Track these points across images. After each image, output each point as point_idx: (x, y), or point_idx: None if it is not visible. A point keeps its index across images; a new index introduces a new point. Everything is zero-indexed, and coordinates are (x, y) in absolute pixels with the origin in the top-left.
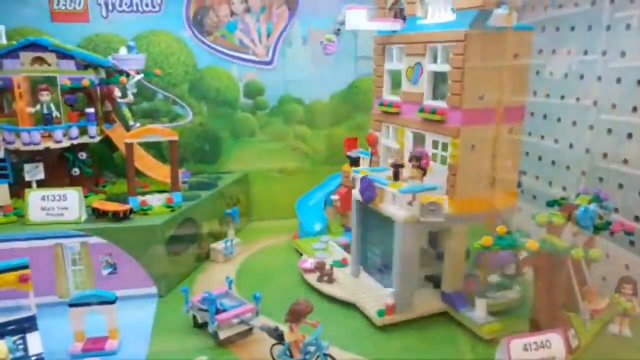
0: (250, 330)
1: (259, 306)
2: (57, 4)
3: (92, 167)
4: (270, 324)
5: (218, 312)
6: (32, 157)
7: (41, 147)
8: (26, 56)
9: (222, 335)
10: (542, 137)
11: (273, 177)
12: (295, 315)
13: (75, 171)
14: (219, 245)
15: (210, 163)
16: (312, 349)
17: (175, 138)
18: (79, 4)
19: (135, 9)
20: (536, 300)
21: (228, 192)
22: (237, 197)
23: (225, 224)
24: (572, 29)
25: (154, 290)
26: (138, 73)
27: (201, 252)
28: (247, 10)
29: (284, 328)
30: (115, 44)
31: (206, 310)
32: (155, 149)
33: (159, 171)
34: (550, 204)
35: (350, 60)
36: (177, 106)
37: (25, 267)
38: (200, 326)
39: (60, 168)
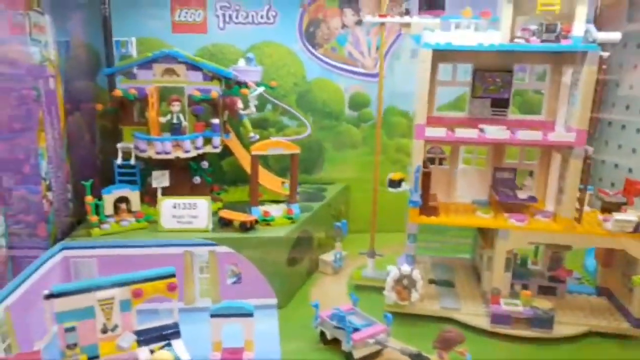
0: (379, 351)
1: (390, 327)
2: (179, 17)
3: (211, 175)
4: (411, 348)
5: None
6: (159, 165)
7: (172, 156)
8: (158, 67)
9: (357, 354)
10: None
11: (372, 190)
12: (447, 343)
13: (197, 179)
14: (329, 257)
15: (310, 173)
16: None
17: (297, 151)
18: (199, 16)
19: (251, 20)
20: None
21: (334, 204)
22: (340, 209)
23: (333, 237)
24: None
25: (274, 301)
26: (257, 85)
27: (312, 264)
28: (359, 22)
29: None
30: (229, 54)
31: (341, 328)
32: None
33: (269, 180)
34: None
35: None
36: (285, 117)
37: (173, 275)
38: (328, 342)
39: (183, 176)
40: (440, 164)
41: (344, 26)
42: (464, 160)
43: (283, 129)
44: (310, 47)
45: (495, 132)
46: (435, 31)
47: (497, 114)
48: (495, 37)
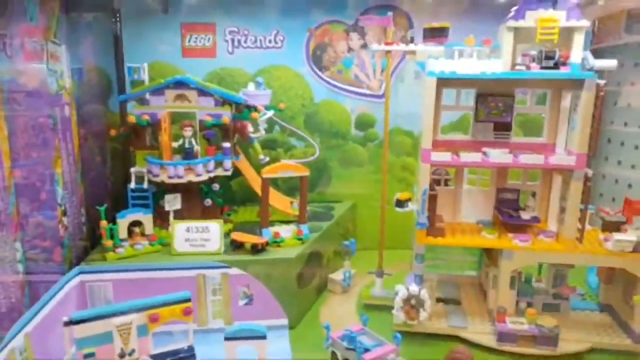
0: None
1: (399, 346)
2: (189, 42)
3: (221, 197)
4: None
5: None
6: (171, 188)
7: (184, 180)
8: (170, 93)
9: None
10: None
11: (379, 208)
12: None
13: (208, 201)
14: (338, 276)
15: (318, 191)
16: None
17: (307, 174)
18: (208, 41)
19: (259, 45)
20: None
21: (342, 222)
22: (347, 227)
23: (341, 255)
24: None
25: (285, 322)
26: (266, 108)
27: (321, 283)
28: (364, 46)
29: None
30: (238, 77)
31: (352, 349)
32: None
33: (278, 200)
34: None
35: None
36: (293, 138)
37: (188, 300)
38: None
39: (194, 198)
40: (446, 184)
41: (349, 50)
42: (468, 180)
43: (291, 149)
44: (317, 70)
45: (498, 156)
46: (439, 59)
47: (500, 137)
48: (496, 65)
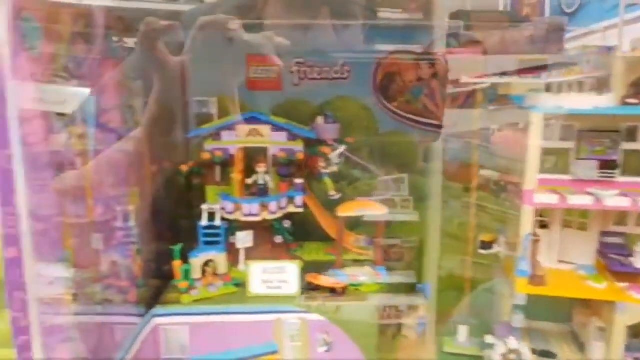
0: None
1: None
2: (254, 73)
3: (292, 234)
4: None
5: None
6: (243, 225)
7: (259, 218)
8: (242, 128)
9: None
10: None
11: (449, 245)
12: None
13: (278, 238)
14: (412, 321)
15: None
16: None
17: (385, 212)
18: (273, 72)
19: (325, 76)
20: None
21: (414, 263)
22: (420, 269)
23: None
24: None
25: None
26: (335, 141)
27: (396, 328)
28: (434, 75)
29: None
30: (304, 109)
31: None
32: None
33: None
34: None
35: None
36: (356, 170)
37: (275, 352)
38: None
39: (265, 236)
40: (541, 227)
41: (419, 79)
42: (564, 222)
43: (354, 182)
44: (383, 101)
45: (614, 199)
46: (540, 92)
47: (605, 176)
48: (601, 98)
